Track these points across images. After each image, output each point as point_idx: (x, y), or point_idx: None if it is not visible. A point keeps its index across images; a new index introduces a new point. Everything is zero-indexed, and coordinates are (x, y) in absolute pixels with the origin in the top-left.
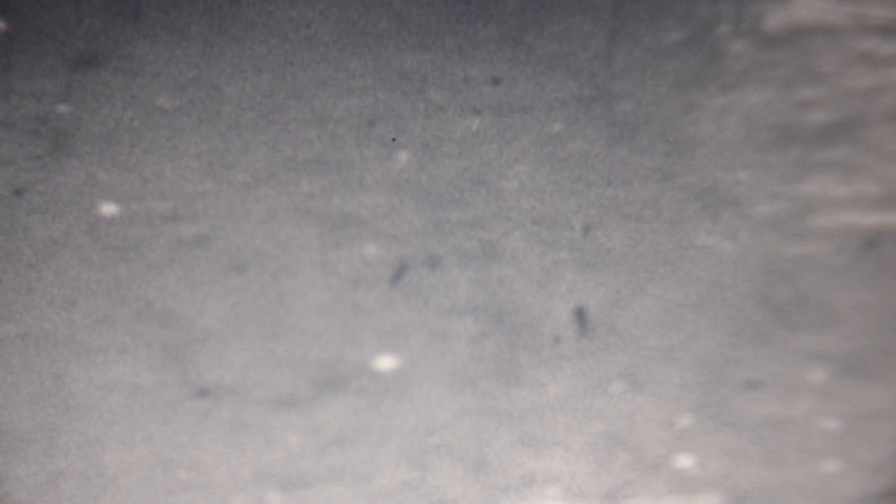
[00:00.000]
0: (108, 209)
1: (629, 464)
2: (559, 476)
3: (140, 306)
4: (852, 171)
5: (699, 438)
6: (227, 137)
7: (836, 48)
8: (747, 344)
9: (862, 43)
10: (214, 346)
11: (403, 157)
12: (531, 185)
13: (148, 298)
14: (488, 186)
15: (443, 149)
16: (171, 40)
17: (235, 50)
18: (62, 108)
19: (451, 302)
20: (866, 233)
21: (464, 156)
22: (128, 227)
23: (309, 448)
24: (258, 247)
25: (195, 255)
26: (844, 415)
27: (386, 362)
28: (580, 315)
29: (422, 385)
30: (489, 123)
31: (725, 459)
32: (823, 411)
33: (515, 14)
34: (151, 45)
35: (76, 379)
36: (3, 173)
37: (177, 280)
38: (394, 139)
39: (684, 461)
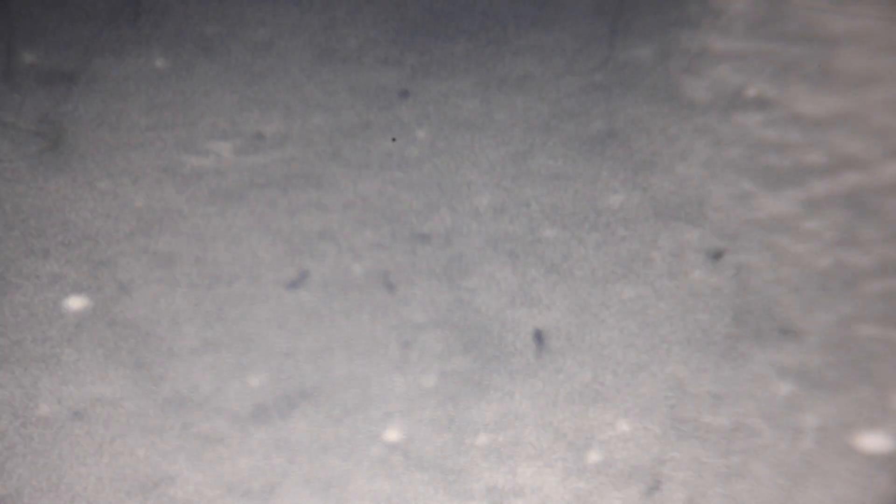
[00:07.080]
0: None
1: (600, 469)
2: (523, 487)
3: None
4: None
5: (665, 450)
6: (200, 152)
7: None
8: (715, 357)
9: None
10: (186, 361)
11: (371, 173)
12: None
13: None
14: (456, 204)
15: (408, 164)
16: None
17: (205, 66)
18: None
19: (415, 317)
20: None
21: (430, 172)
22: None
23: (279, 459)
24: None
25: (167, 272)
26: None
27: (347, 373)
28: (538, 335)
29: (383, 396)
30: (451, 141)
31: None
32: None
33: (484, 31)
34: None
35: (48, 394)
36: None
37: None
38: (394, 139)
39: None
